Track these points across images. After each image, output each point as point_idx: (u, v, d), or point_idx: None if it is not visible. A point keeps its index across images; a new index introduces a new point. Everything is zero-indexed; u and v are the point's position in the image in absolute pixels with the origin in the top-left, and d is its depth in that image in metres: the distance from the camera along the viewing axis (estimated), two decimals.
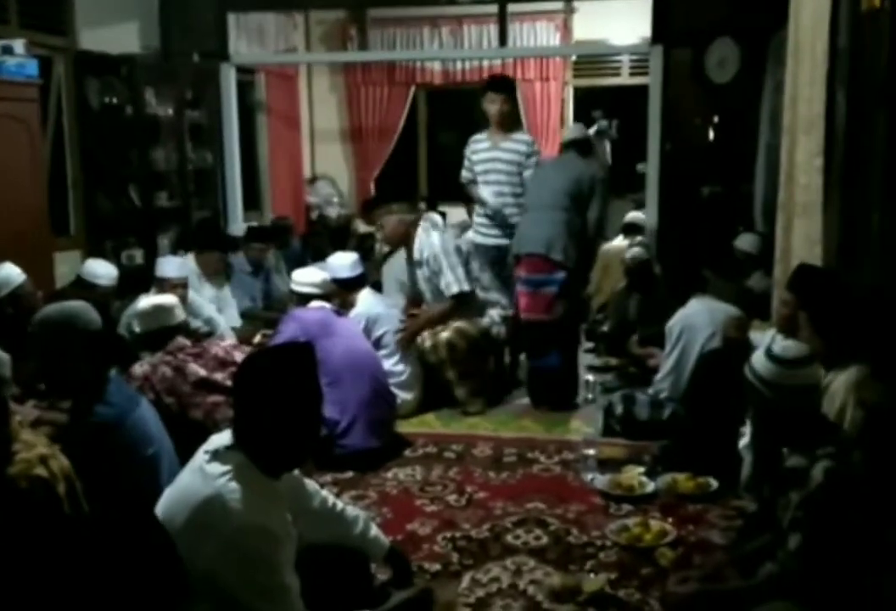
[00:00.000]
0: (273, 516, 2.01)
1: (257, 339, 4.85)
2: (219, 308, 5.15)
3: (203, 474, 2.00)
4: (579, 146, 4.98)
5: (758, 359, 2.35)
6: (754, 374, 2.33)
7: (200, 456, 2.06)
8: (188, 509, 1.95)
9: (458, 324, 4.61)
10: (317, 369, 2.07)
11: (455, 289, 4.61)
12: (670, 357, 4.07)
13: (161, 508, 2.05)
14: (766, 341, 3.43)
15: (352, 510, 2.52)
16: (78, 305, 2.72)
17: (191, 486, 2.01)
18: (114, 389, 2.62)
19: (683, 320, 4.05)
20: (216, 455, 2.02)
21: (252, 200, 7.53)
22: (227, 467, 1.99)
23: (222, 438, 2.09)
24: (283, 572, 1.99)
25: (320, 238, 7.17)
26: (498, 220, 5.14)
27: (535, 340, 4.73)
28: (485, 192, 5.17)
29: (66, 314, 2.61)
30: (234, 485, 1.96)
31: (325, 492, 2.48)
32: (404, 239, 4.77)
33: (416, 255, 4.76)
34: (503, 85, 5.22)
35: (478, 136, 5.26)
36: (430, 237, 4.72)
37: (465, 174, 5.32)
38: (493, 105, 5.08)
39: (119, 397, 2.61)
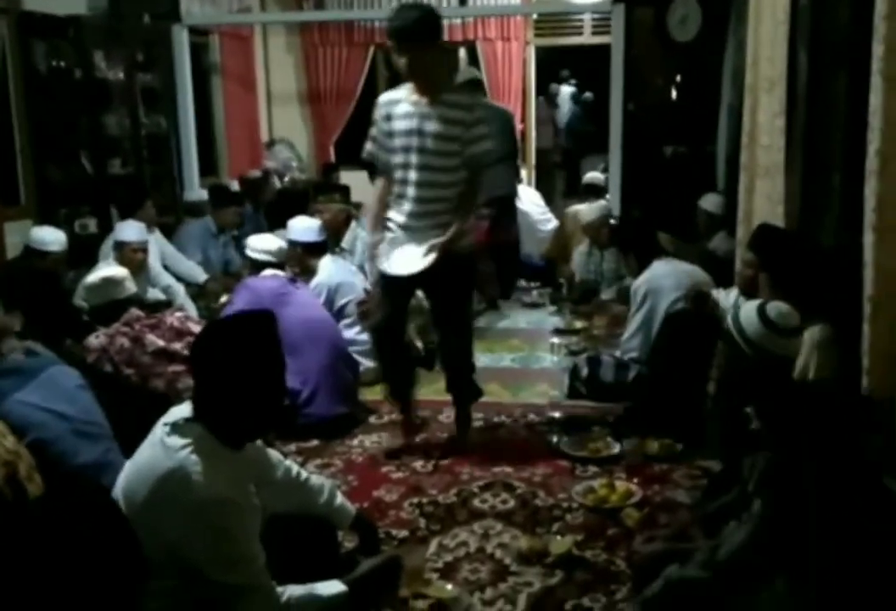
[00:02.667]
0: (236, 488, 1.99)
1: (223, 299, 4.81)
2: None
3: (164, 447, 1.96)
4: (479, 86, 5.92)
5: (747, 317, 2.30)
6: (739, 330, 2.30)
7: (160, 429, 2.02)
8: (150, 483, 1.92)
9: None
10: (277, 337, 2.04)
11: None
12: (635, 318, 4.07)
13: (122, 482, 2.02)
14: (732, 301, 3.47)
15: (316, 479, 2.50)
16: None
17: (151, 459, 1.98)
18: None
19: (648, 283, 4.04)
20: (175, 428, 1.99)
21: (208, 166, 7.38)
22: (187, 440, 1.96)
23: (181, 410, 2.05)
24: (248, 544, 1.97)
25: (261, 194, 7.02)
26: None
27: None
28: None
29: None
30: (195, 457, 1.93)
31: (288, 461, 2.45)
32: (339, 227, 5.04)
33: (344, 244, 5.11)
34: (409, 31, 3.25)
35: (391, 96, 3.46)
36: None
37: (369, 148, 3.51)
38: (400, 59, 3.30)
39: None
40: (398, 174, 3.39)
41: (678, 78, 6.07)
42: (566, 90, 11.08)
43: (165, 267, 5.05)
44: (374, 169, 7.38)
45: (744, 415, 2.35)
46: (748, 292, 3.31)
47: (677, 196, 5.51)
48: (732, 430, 2.63)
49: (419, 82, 3.35)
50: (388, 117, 3.39)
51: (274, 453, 2.40)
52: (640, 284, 4.08)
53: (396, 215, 3.42)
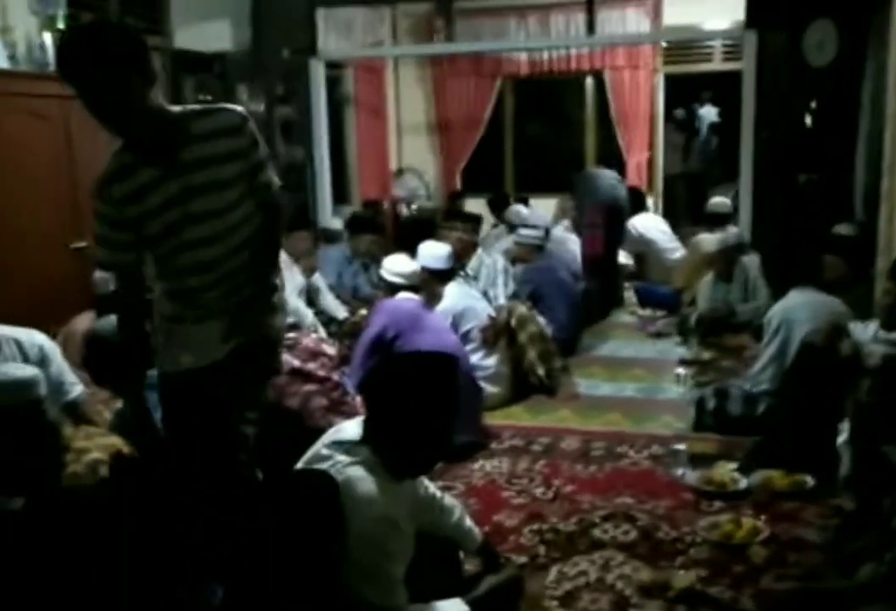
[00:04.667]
0: (396, 510, 2.04)
1: (363, 311, 4.91)
2: (310, 297, 5.22)
3: (332, 462, 2.03)
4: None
5: None
6: None
7: (325, 448, 2.10)
8: None
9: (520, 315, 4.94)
10: (458, 382, 2.08)
11: (501, 300, 5.14)
12: (768, 349, 3.95)
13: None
14: (871, 334, 3.34)
15: (449, 500, 2.53)
16: None
17: None
18: None
19: (783, 313, 3.92)
20: (343, 446, 2.06)
21: (340, 194, 7.64)
22: (355, 458, 2.02)
23: (348, 430, 2.12)
24: (403, 567, 2.00)
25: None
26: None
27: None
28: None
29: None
30: (363, 474, 1.99)
31: (425, 479, 2.48)
32: (464, 253, 5.19)
33: (469, 270, 5.23)
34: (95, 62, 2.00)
35: (115, 166, 2.21)
36: (492, 257, 5.39)
37: (105, 257, 2.29)
38: (95, 108, 2.08)
39: None
40: (167, 265, 2.33)
41: (813, 104, 5.91)
42: (710, 112, 10.28)
43: (311, 301, 5.17)
44: (496, 203, 7.61)
45: (881, 452, 2.27)
46: (889, 323, 3.18)
47: (811, 225, 5.34)
48: (869, 467, 2.53)
49: (147, 129, 2.14)
50: (125, 200, 2.19)
51: None
52: (773, 313, 3.96)
53: (177, 309, 2.38)
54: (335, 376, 3.52)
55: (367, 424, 2.08)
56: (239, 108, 2.30)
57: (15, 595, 1.82)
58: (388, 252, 6.05)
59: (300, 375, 3.35)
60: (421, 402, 1.99)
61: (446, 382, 2.04)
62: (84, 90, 2.03)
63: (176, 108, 2.23)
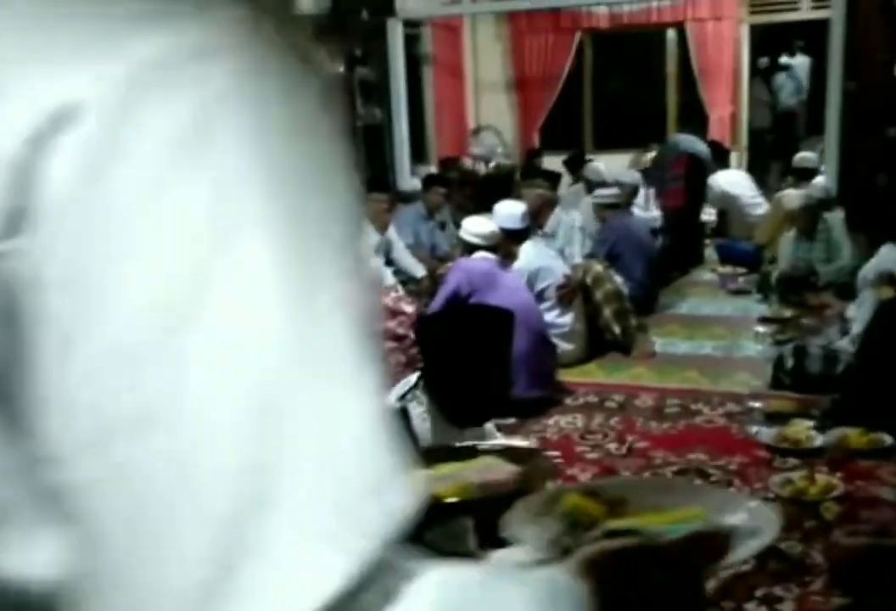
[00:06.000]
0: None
1: (441, 270, 5.02)
2: (386, 252, 5.33)
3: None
4: None
5: None
6: None
7: (397, 398, 2.21)
8: None
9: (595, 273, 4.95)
10: (511, 339, 2.15)
11: (577, 258, 5.18)
12: (861, 310, 3.90)
13: None
14: None
15: None
16: None
17: None
18: None
19: (876, 269, 3.87)
20: (406, 394, 2.17)
21: (418, 154, 7.69)
22: (419, 408, 2.13)
23: (413, 381, 2.23)
24: None
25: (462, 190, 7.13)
26: None
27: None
28: None
29: None
30: (425, 425, 2.10)
31: (496, 432, 2.56)
32: (537, 213, 5.17)
33: (546, 229, 5.26)
34: None
35: None
36: (570, 215, 5.42)
37: None
38: None
39: None
40: None
41: None
42: (803, 62, 9.60)
43: (389, 260, 5.30)
44: (573, 162, 7.24)
45: None
46: None
47: None
48: None
49: None
50: None
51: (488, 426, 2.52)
52: (867, 270, 3.92)
53: None
54: (413, 334, 3.63)
55: (423, 371, 2.18)
56: None
57: None
58: (461, 208, 6.14)
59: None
60: (467, 350, 2.08)
61: (496, 334, 2.12)
62: None
63: None
